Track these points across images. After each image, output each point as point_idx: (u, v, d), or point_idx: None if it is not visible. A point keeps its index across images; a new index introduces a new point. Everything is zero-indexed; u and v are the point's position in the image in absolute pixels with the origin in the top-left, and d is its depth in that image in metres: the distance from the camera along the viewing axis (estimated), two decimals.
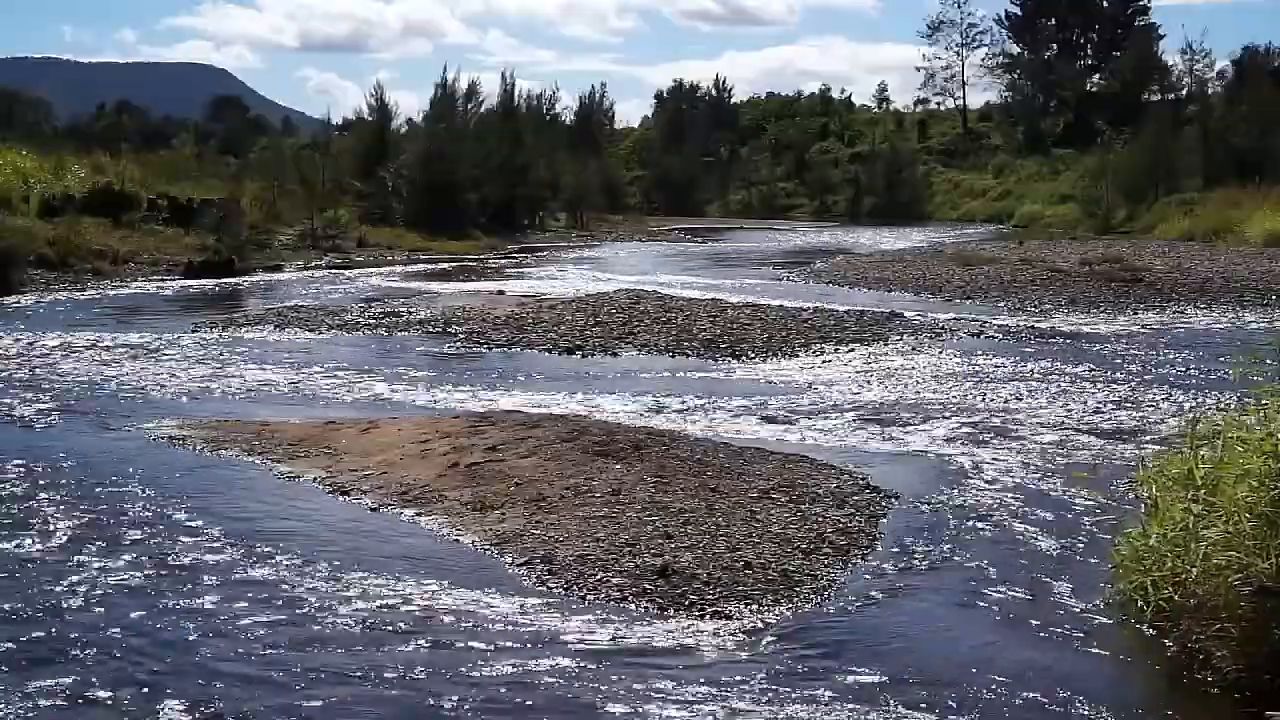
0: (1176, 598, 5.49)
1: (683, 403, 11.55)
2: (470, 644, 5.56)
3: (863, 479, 8.35)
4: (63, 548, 6.90)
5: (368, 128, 49.58)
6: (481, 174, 45.69)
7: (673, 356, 14.91)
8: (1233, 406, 6.96)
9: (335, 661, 5.38)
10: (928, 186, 78.15)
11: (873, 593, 6.31)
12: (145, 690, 5.05)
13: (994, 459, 9.20)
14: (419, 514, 7.57)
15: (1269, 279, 23.53)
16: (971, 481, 8.52)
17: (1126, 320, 18.84)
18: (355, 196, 42.25)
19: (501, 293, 22.86)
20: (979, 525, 7.49)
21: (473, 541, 7.01)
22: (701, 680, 5.17)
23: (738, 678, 5.20)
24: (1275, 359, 6.27)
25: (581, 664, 5.33)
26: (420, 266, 32.31)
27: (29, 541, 6.99)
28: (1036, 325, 17.83)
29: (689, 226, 61.92)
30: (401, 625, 5.79)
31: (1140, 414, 11.07)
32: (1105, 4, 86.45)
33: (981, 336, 16.48)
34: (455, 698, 5.03)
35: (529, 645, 5.55)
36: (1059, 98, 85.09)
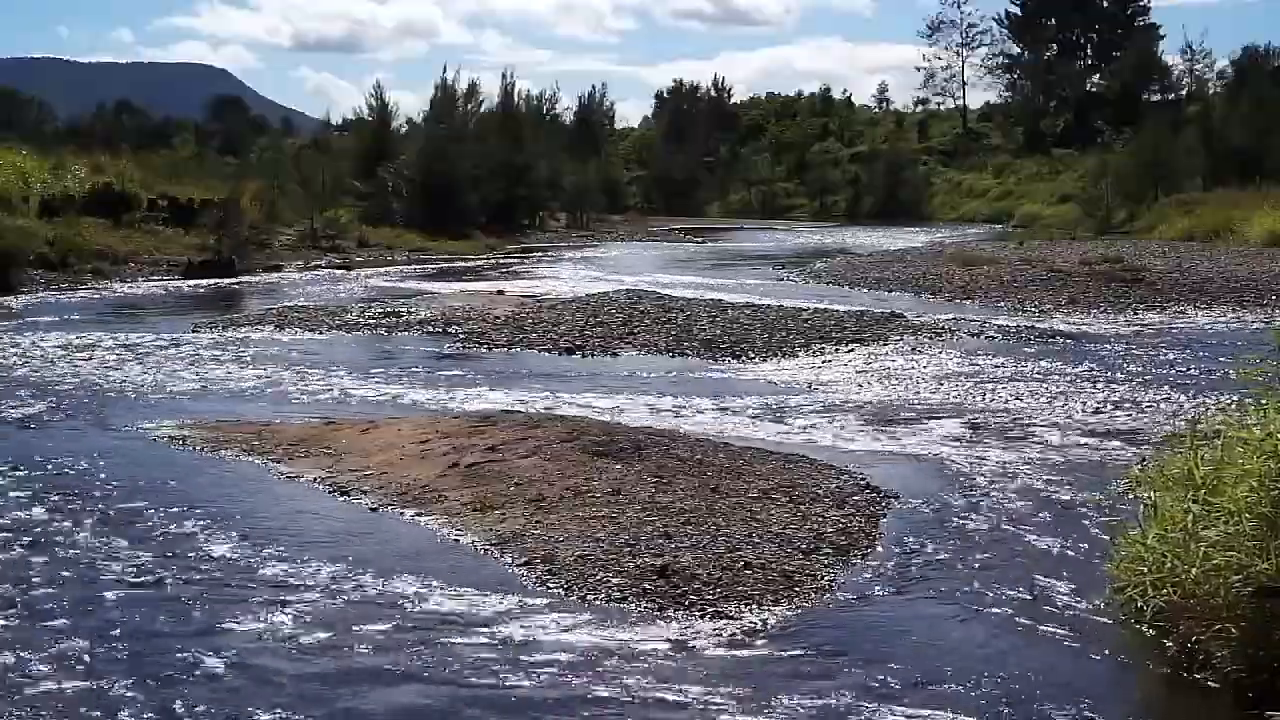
0: (1176, 598, 5.48)
1: (683, 403, 11.56)
2: (470, 644, 5.56)
3: (863, 479, 8.35)
4: (61, 547, 6.89)
5: (367, 128, 49.66)
6: (481, 174, 45.69)
7: (673, 356, 14.91)
8: (1233, 406, 6.95)
9: (334, 662, 5.38)
10: (928, 186, 78.19)
11: (873, 593, 6.31)
12: (143, 690, 5.04)
13: (994, 459, 9.20)
14: (419, 514, 7.57)
15: (1269, 279, 23.51)
16: (971, 481, 8.52)
17: (1126, 320, 18.83)
18: (355, 196, 42.27)
19: (501, 293, 22.86)
20: (979, 525, 7.49)
21: (473, 541, 7.01)
22: (701, 680, 5.17)
23: (738, 678, 5.20)
24: (1275, 359, 6.25)
25: (582, 664, 5.33)
26: (420, 266, 32.33)
27: (27, 541, 6.99)
28: (1036, 325, 17.83)
29: (689, 226, 61.96)
30: (401, 625, 5.79)
31: (1140, 414, 11.07)
32: (1105, 4, 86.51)
33: (981, 336, 16.48)
34: (455, 698, 5.03)
35: (529, 645, 5.55)
36: (1059, 98, 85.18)
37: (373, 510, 7.73)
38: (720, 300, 20.62)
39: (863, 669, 5.33)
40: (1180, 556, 5.46)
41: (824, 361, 14.45)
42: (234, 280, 26.18)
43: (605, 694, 5.06)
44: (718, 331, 16.53)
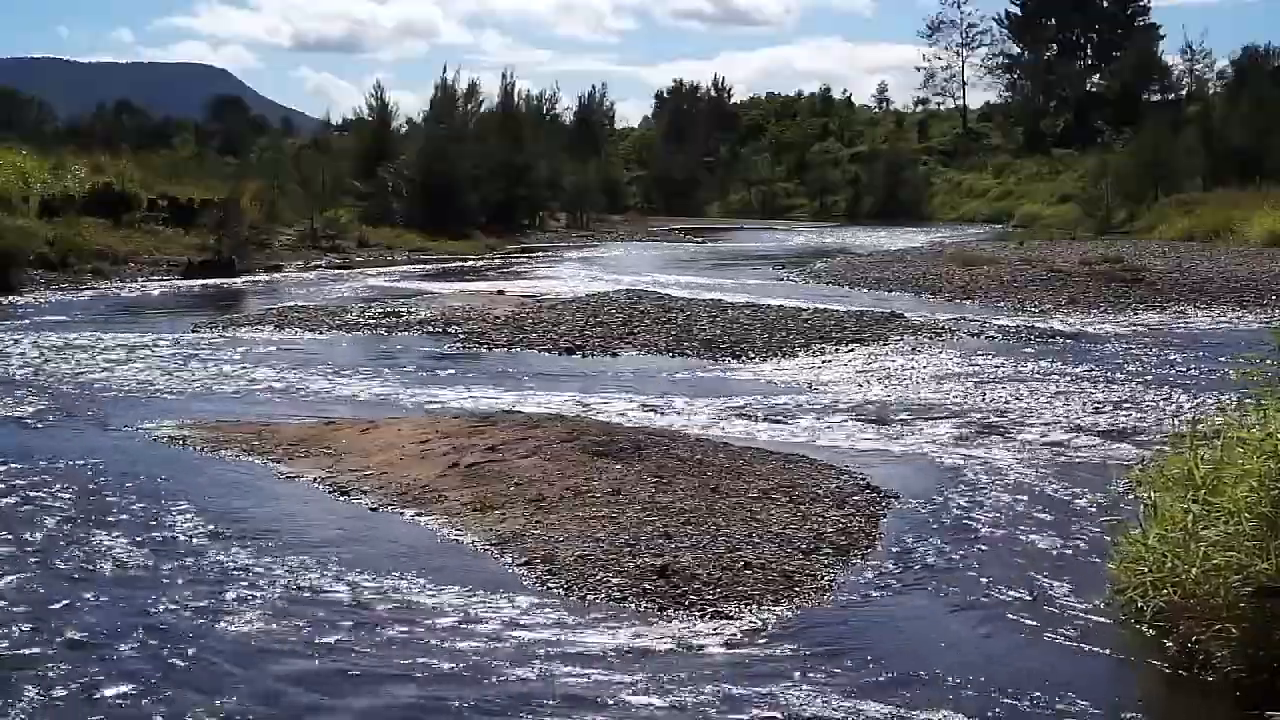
0: (1176, 598, 5.48)
1: (683, 403, 11.55)
2: (470, 644, 5.56)
3: (863, 479, 8.35)
4: (61, 547, 6.89)
5: (368, 128, 49.69)
6: (481, 174, 45.70)
7: (673, 356, 14.91)
8: (1233, 406, 6.95)
9: (334, 662, 5.38)
10: (928, 186, 78.19)
11: (873, 593, 6.31)
12: (143, 691, 5.05)
13: (994, 459, 9.20)
14: (419, 514, 7.57)
15: (1269, 279, 23.52)
16: (971, 481, 8.52)
17: (1126, 320, 18.83)
18: (355, 196, 42.29)
19: (501, 293, 22.86)
20: (979, 525, 7.49)
21: (473, 542, 7.01)
22: (701, 680, 5.17)
23: (737, 678, 5.20)
24: (1275, 359, 6.26)
25: (581, 664, 5.33)
26: (420, 266, 32.33)
27: (27, 541, 6.99)
28: (1036, 325, 17.82)
29: (689, 226, 61.99)
30: (401, 625, 5.79)
31: (1140, 414, 11.07)
32: (1105, 4, 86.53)
33: (981, 336, 16.48)
34: (455, 698, 5.02)
35: (529, 645, 5.55)
36: (1059, 98, 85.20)
37: (373, 510, 7.73)
38: (720, 300, 20.62)
39: (863, 669, 5.33)
40: (1180, 556, 5.46)
41: (824, 361, 14.45)
42: (234, 280, 26.18)
43: (605, 694, 5.05)
44: (718, 331, 16.53)
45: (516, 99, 59.05)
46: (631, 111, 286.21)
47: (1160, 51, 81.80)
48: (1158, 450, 7.44)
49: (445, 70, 54.48)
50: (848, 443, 9.85)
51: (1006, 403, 11.64)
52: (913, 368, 13.84)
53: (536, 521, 7.19)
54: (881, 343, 15.72)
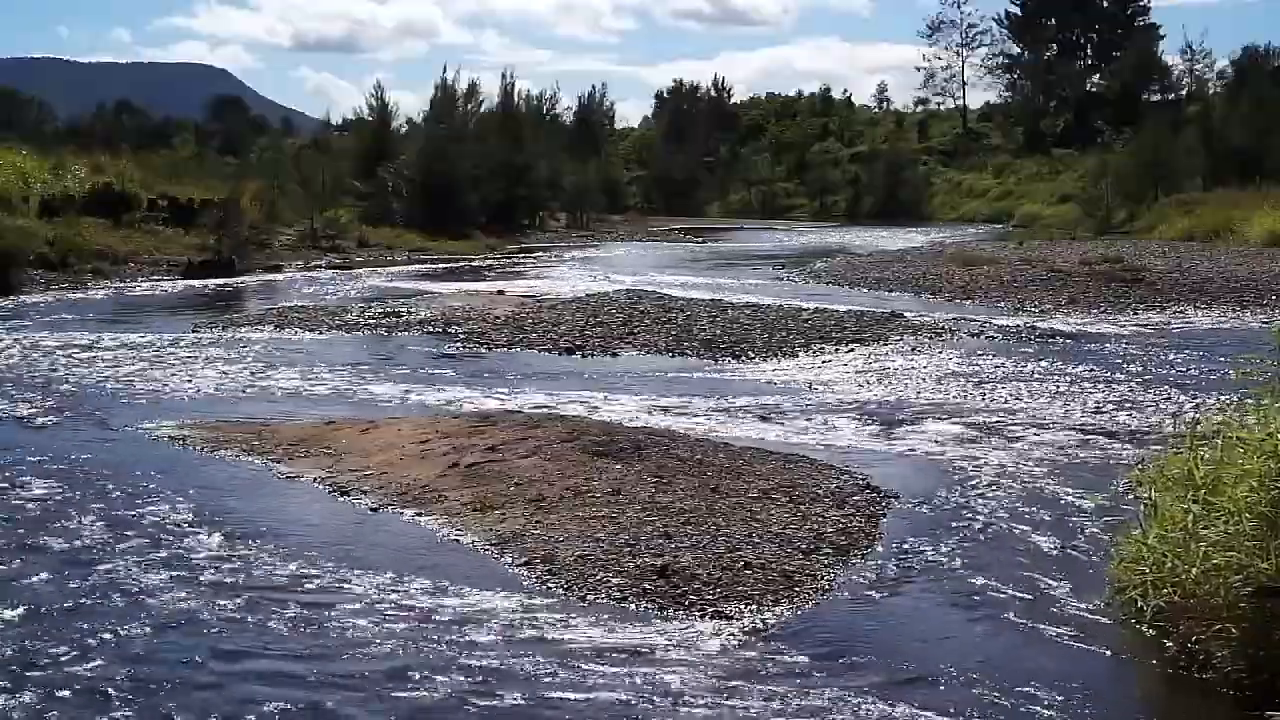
0: (1176, 598, 5.49)
1: (683, 403, 11.55)
2: (470, 644, 5.56)
3: (863, 479, 8.35)
4: (61, 547, 6.89)
5: (368, 128, 49.70)
6: (481, 174, 45.70)
7: (673, 356, 14.91)
8: (1232, 406, 6.95)
9: (333, 662, 5.38)
10: (928, 186, 78.20)
11: (873, 593, 6.31)
12: (142, 690, 5.05)
13: (994, 459, 9.20)
14: (419, 514, 7.57)
15: (1269, 279, 23.52)
16: (971, 481, 8.52)
17: (1126, 320, 18.83)
18: (355, 196, 42.28)
19: (501, 293, 22.86)
20: (979, 525, 7.49)
21: (473, 542, 7.01)
22: (701, 680, 5.17)
23: (738, 678, 5.20)
24: (1275, 359, 6.26)
25: (582, 664, 5.33)
26: (420, 266, 32.33)
27: (24, 541, 6.98)
28: (1036, 325, 17.82)
29: (689, 226, 62.00)
30: (401, 626, 5.79)
31: (1140, 414, 11.07)
32: (1105, 4, 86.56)
33: (981, 336, 16.48)
34: (456, 698, 5.02)
35: (529, 645, 5.55)
36: (1059, 98, 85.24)
37: (373, 510, 7.73)
38: (720, 300, 20.63)
39: (862, 669, 5.33)
40: (1180, 556, 5.46)
41: (824, 361, 14.45)
42: (234, 280, 26.18)
43: (605, 694, 5.05)
44: (718, 331, 16.53)
45: (516, 99, 59.13)
46: (631, 111, 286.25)
47: (1160, 51, 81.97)
48: (1158, 450, 7.44)
49: (445, 70, 54.53)
50: (848, 443, 9.85)
51: (1006, 403, 11.64)
52: (913, 368, 13.84)
53: (536, 521, 7.19)
54: (881, 343, 15.72)
